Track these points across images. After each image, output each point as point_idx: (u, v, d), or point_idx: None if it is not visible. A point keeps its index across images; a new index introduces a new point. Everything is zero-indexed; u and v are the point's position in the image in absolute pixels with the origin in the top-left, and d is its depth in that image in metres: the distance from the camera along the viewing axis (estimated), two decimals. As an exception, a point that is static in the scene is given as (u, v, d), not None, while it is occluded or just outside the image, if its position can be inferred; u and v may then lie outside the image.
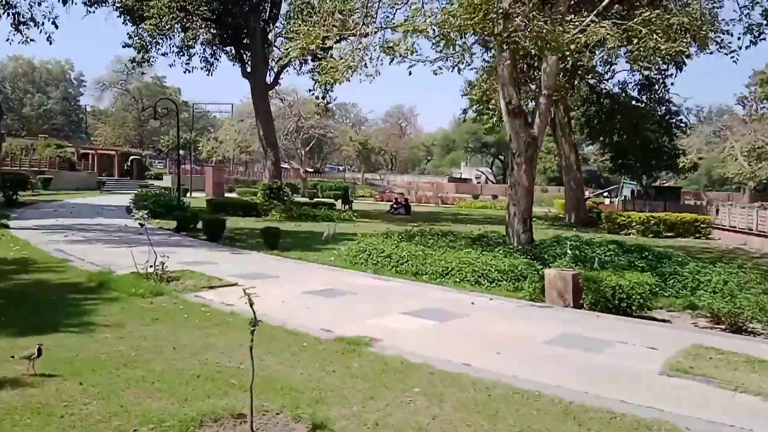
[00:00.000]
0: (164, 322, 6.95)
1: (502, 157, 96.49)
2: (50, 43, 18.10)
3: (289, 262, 12.46)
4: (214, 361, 5.63)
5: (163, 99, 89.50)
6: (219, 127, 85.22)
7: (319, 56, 27.71)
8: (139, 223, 10.73)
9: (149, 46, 25.47)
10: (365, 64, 14.24)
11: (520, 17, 11.41)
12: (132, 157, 55.64)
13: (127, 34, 25.81)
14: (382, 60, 14.53)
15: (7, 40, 15.62)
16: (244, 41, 27.46)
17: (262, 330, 6.80)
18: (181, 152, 75.02)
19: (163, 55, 27.07)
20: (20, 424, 4.06)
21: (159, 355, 5.72)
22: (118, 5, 24.09)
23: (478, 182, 77.39)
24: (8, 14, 16.51)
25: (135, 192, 44.38)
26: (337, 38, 15.63)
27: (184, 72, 27.74)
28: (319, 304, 8.28)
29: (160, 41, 26.72)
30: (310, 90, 30.35)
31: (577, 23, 11.97)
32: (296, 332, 6.71)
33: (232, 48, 28.55)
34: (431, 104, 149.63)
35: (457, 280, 10.27)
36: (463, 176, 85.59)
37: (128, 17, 24.74)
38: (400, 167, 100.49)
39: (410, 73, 16.08)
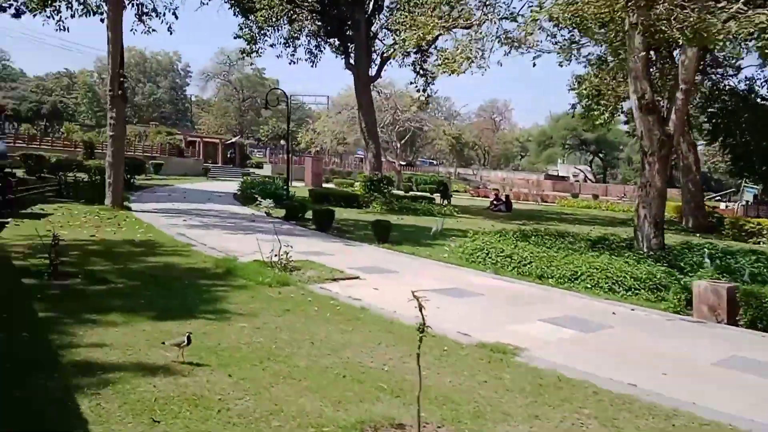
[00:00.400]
0: (295, 314, 6.80)
1: (602, 155, 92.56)
2: (170, 33, 18.88)
3: (402, 257, 12.16)
4: (355, 359, 5.36)
5: (272, 89, 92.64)
6: (316, 118, 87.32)
7: (423, 48, 27.47)
8: (266, 212, 10.72)
9: (258, 38, 26.08)
10: (482, 55, 13.75)
11: (664, 4, 10.44)
12: (235, 146, 57.76)
13: (238, 25, 26.59)
14: (495, 50, 14.02)
15: (132, 30, 16.40)
16: (348, 33, 27.54)
17: (396, 329, 6.52)
18: (282, 142, 77.45)
19: (271, 46, 27.67)
20: (180, 417, 3.93)
21: (299, 350, 5.53)
22: (231, -3, 24.75)
23: (576, 180, 74.31)
24: (132, 5, 17.31)
25: (238, 179, 46.32)
26: (448, 29, 15.19)
27: (289, 63, 28.30)
28: (449, 304, 7.87)
29: (268, 32, 27.33)
30: (411, 82, 30.07)
31: (726, 10, 10.85)
32: (433, 334, 6.33)
33: (336, 40, 28.72)
34: (526, 99, 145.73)
35: (588, 285, 9.54)
36: (560, 174, 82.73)
37: (238, 9, 25.40)
38: (492, 162, 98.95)
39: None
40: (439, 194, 31.82)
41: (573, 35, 20.11)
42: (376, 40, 28.07)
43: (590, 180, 77.20)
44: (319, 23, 27.15)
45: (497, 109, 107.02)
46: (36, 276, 7.65)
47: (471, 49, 13.39)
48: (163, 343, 5.09)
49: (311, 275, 8.88)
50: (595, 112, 29.50)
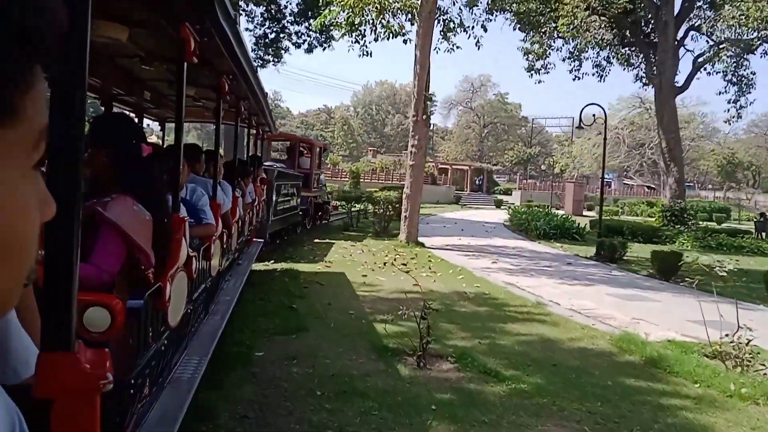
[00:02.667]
0: None
1: None
2: (478, 48, 17.06)
3: None
4: None
5: (506, 116, 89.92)
6: (557, 141, 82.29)
7: (752, 47, 22.09)
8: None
9: (547, 51, 23.43)
10: None
11: None
12: (483, 173, 56.10)
13: (521, 41, 24.27)
14: None
15: (435, 48, 14.95)
16: (649, 39, 23.44)
17: None
18: (528, 167, 74.21)
19: (563, 60, 24.77)
20: None
21: None
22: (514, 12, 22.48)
23: None
24: (438, 21, 15.89)
25: (490, 207, 44.31)
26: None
27: (573, 79, 24.87)
28: None
29: (553, 47, 24.59)
30: (721, 92, 24.68)
31: None
32: None
33: (629, 48, 24.77)
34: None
35: None
36: None
37: (526, 23, 23.04)
38: (763, 184, 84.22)
39: None
40: (755, 226, 25.56)
41: None
42: (683, 46, 23.48)
43: None
44: (615, 31, 23.50)
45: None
46: (394, 355, 5.60)
47: None
48: None
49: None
50: None
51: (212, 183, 4.82)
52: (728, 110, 24.46)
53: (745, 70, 23.70)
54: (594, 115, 17.15)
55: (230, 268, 6.00)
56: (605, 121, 15.92)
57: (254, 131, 9.24)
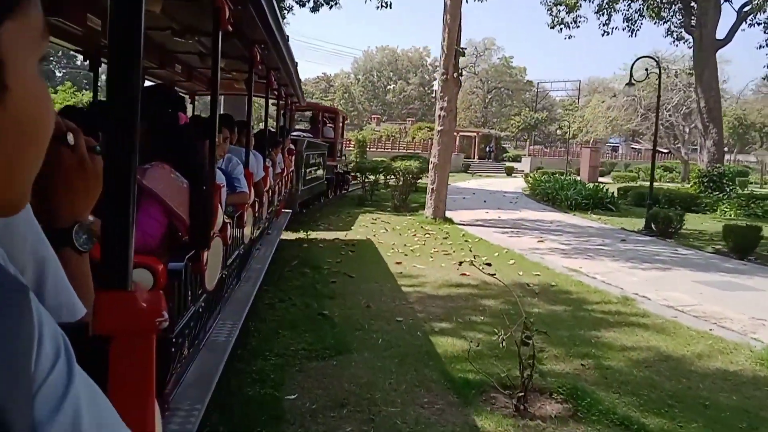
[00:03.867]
0: None
1: None
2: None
3: None
4: None
5: (511, 81, 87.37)
6: (561, 106, 79.68)
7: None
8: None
9: (579, 3, 21.29)
10: None
11: None
12: (491, 139, 54.05)
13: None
14: None
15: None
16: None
17: None
18: (534, 133, 72.11)
19: (595, 13, 22.51)
20: None
21: None
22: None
23: None
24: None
25: (501, 174, 42.46)
26: None
27: (602, 35, 22.85)
28: None
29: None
30: (761, 46, 22.66)
31: None
32: None
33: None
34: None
35: None
36: None
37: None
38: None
39: None
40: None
41: None
42: None
43: None
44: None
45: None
46: (479, 391, 3.98)
47: None
48: None
49: None
50: None
51: (245, 153, 4.75)
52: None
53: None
54: (647, 69, 15.26)
55: (261, 237, 6.03)
56: (659, 76, 13.99)
57: (283, 102, 8.90)
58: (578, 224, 14.41)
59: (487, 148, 51.21)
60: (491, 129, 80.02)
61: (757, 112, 75.07)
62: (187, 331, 2.64)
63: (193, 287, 2.71)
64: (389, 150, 40.52)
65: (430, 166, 13.11)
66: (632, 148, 70.76)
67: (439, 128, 12.94)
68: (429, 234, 11.24)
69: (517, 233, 12.04)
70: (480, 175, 41.09)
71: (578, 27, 22.49)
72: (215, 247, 3.01)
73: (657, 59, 14.22)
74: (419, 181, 16.53)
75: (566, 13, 21.91)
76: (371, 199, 16.29)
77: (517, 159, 52.77)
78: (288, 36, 4.95)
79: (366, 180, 16.50)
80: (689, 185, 22.46)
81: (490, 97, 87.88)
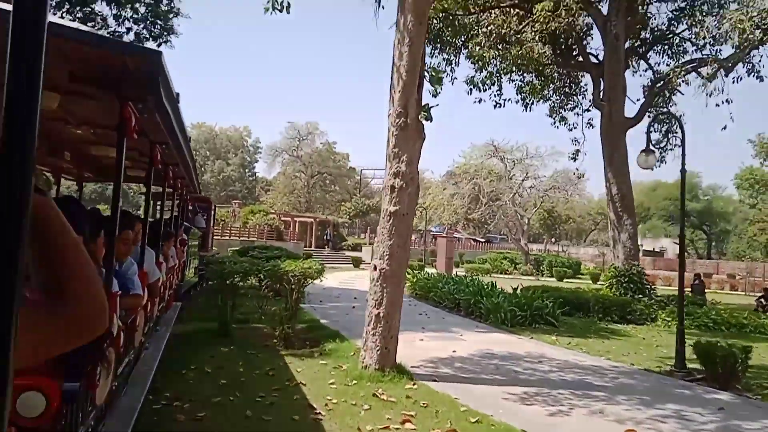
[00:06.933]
0: None
1: (707, 227, 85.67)
2: None
3: None
4: None
5: (334, 166, 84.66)
6: (381, 194, 78.57)
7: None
8: None
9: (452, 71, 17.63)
10: None
11: None
12: (328, 225, 49.17)
13: (430, 62, 18.27)
14: None
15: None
16: (595, 59, 18.91)
17: None
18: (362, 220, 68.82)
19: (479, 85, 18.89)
20: None
21: None
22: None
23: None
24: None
25: (348, 266, 37.15)
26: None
27: (494, 106, 19.43)
28: None
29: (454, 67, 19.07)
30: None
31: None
32: None
33: (566, 71, 20.11)
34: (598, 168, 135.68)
35: None
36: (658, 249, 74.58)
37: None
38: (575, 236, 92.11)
39: None
40: (691, 289, 21.77)
41: None
42: (637, 67, 19.25)
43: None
44: (551, 46, 18.24)
45: (569, 180, 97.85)
46: None
47: None
48: None
49: None
50: None
51: (140, 251, 4.64)
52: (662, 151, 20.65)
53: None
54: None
55: (149, 335, 5.67)
56: (683, 152, 9.90)
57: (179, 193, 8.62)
58: (556, 358, 9.36)
59: (325, 236, 46.04)
60: (320, 214, 75.70)
61: (562, 205, 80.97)
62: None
63: (83, 406, 2.58)
64: (218, 237, 33.28)
65: (374, 274, 7.29)
66: (453, 237, 71.07)
67: (393, 209, 7.25)
68: (408, 419, 5.28)
69: (507, 388, 6.56)
70: (325, 267, 35.47)
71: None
72: (108, 357, 2.90)
73: (680, 122, 10.32)
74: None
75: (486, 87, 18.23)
76: (234, 323, 9.71)
77: (357, 248, 48.27)
78: (190, 137, 4.99)
79: (225, 289, 9.92)
80: (604, 285, 19.14)
81: (313, 181, 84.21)
